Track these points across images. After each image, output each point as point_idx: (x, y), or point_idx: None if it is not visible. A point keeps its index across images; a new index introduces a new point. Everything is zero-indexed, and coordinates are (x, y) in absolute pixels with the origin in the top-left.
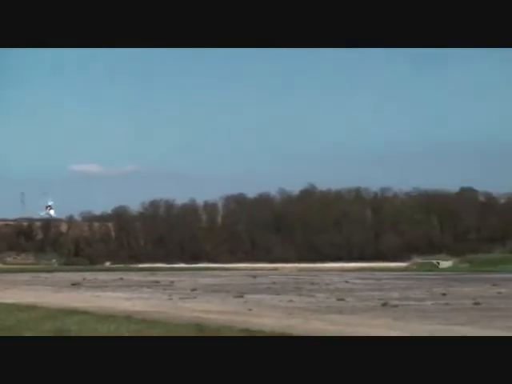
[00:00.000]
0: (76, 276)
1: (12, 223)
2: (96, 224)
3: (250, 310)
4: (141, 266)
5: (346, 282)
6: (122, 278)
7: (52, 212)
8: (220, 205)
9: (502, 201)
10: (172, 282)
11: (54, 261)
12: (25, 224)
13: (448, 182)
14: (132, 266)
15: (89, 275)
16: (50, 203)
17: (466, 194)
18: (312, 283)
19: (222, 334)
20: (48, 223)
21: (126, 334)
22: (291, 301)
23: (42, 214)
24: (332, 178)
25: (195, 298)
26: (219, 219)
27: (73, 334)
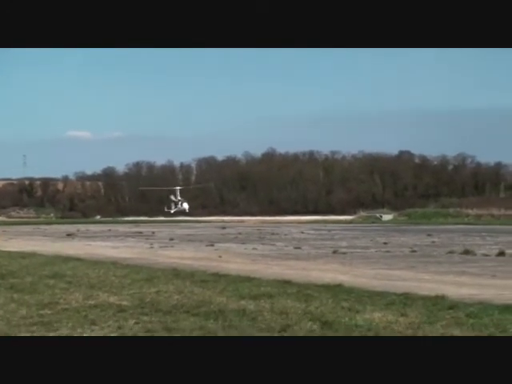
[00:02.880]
0: (71, 228)
1: (15, 182)
2: (88, 183)
3: (219, 256)
4: (126, 218)
5: (302, 232)
6: (110, 230)
7: None
8: (194, 166)
9: (435, 162)
10: (153, 232)
11: (51, 215)
12: (26, 183)
13: (388, 146)
14: (119, 218)
15: (82, 227)
16: None
17: (404, 156)
18: (273, 234)
19: (196, 277)
20: (47, 182)
21: (113, 278)
22: (255, 249)
23: None
24: (290, 142)
25: (173, 246)
26: (193, 178)
27: (68, 278)
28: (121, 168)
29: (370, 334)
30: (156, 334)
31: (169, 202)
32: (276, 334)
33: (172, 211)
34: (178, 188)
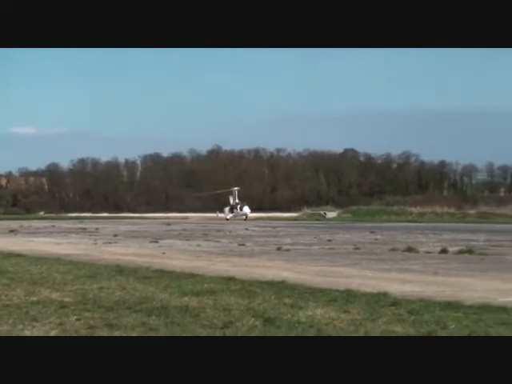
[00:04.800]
0: (14, 224)
1: None
2: (31, 179)
3: (163, 253)
4: (70, 215)
5: (247, 229)
6: (53, 226)
7: None
8: (139, 162)
9: (380, 161)
10: (97, 228)
11: None
12: None
13: (333, 144)
14: (63, 215)
15: (25, 223)
16: None
17: (349, 154)
18: (217, 230)
19: (139, 273)
20: None
21: (56, 274)
22: (199, 245)
23: None
24: (235, 140)
25: (117, 242)
26: (138, 175)
27: (10, 275)
28: (65, 164)
29: (312, 330)
30: (99, 330)
31: (223, 206)
32: (217, 331)
33: (228, 217)
34: (236, 189)
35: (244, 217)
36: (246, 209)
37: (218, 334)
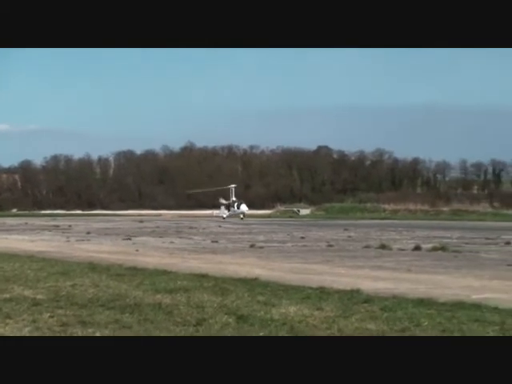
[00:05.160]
0: None
1: None
2: (4, 176)
3: (136, 250)
4: (43, 212)
5: (220, 226)
6: (26, 223)
7: None
8: (112, 159)
9: (353, 158)
10: (70, 226)
11: None
12: None
13: (307, 141)
14: (36, 212)
15: None
16: None
17: (323, 151)
18: (190, 227)
19: (112, 270)
20: None
21: (29, 271)
22: (172, 242)
23: None
24: (208, 137)
25: (89, 240)
26: (111, 172)
27: None
28: (38, 161)
29: (285, 327)
30: (72, 328)
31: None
32: (191, 329)
33: (225, 216)
34: (233, 186)
35: (241, 215)
36: (244, 207)
37: (191, 331)
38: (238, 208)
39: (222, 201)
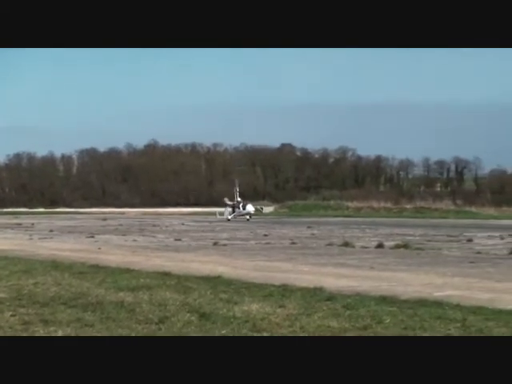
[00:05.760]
0: None
1: None
2: None
3: (99, 248)
4: (5, 210)
5: (183, 224)
6: None
7: None
8: (75, 157)
9: (316, 155)
10: (33, 224)
11: None
12: None
13: (270, 138)
14: None
15: None
16: None
17: (286, 149)
18: (154, 225)
19: (74, 268)
20: None
21: None
22: (135, 240)
23: None
24: (172, 134)
25: (52, 238)
26: (74, 170)
27: None
28: (1, 159)
29: (248, 325)
30: (34, 326)
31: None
32: (153, 327)
33: (229, 217)
34: (237, 186)
35: (248, 216)
36: (250, 207)
37: (153, 329)
38: (244, 208)
39: (227, 201)
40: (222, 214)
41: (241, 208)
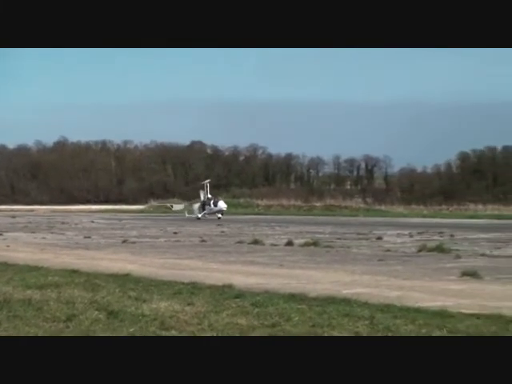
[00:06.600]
0: None
1: None
2: None
3: (7, 246)
4: None
5: (93, 222)
6: None
7: None
8: None
9: (227, 153)
10: None
11: None
12: None
13: (180, 135)
14: None
15: None
16: None
17: (196, 146)
18: (63, 223)
19: None
20: None
21: None
22: (44, 238)
23: None
24: (82, 131)
25: None
26: None
27: None
28: None
29: (156, 323)
30: None
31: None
32: (61, 325)
33: (200, 215)
34: (207, 182)
35: (220, 214)
36: (222, 204)
37: (61, 327)
38: (216, 205)
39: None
40: (191, 212)
41: (212, 205)
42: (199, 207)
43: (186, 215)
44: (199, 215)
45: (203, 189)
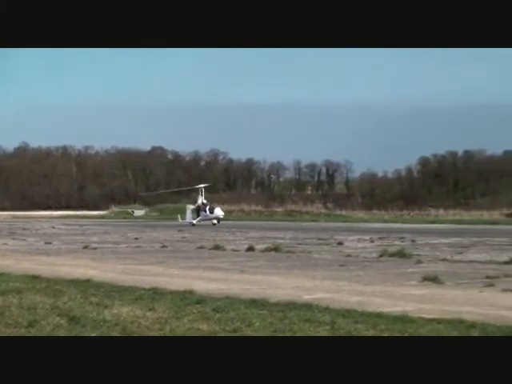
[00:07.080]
0: None
1: None
2: None
3: None
4: None
5: (53, 227)
6: None
7: None
8: None
9: (188, 158)
10: None
11: None
12: None
13: (141, 141)
14: None
15: None
16: None
17: (157, 151)
18: (24, 229)
19: None
20: None
21: None
22: (5, 244)
23: None
24: (43, 137)
25: None
26: None
27: None
28: None
29: (118, 328)
30: None
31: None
32: (22, 330)
33: (195, 222)
34: (203, 186)
35: (215, 221)
36: (218, 211)
37: (22, 333)
38: (212, 212)
39: (194, 203)
40: (184, 218)
41: (207, 211)
42: (192, 212)
43: (180, 221)
44: (194, 221)
45: (199, 193)
